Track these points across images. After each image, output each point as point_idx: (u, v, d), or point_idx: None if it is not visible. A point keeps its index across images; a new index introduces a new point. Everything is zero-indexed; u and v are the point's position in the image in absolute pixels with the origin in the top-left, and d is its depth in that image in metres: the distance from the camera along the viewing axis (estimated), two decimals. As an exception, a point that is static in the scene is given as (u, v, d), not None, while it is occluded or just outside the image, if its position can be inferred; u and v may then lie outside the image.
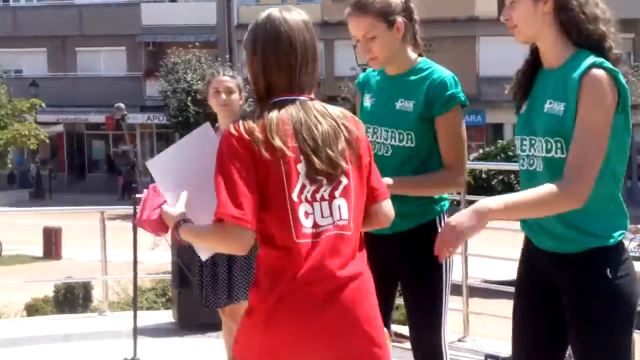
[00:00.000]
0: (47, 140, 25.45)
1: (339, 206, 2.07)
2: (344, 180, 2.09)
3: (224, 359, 4.33)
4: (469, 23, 29.06)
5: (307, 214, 2.03)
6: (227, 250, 2.20)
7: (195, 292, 4.02)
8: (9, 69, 32.90)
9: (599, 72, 2.11)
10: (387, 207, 2.22)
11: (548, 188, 2.09)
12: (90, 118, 31.81)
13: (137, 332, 4.57)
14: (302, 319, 1.98)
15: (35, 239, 17.29)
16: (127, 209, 4.27)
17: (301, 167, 2.03)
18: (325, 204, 2.06)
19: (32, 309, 6.91)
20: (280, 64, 2.09)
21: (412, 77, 2.80)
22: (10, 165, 23.90)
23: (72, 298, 7.06)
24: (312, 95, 2.12)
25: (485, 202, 2.11)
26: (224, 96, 3.83)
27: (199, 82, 26.58)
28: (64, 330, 5.50)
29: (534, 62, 2.33)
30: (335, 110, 2.14)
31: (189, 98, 26.50)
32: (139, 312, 6.55)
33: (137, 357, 4.50)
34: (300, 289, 1.98)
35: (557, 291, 2.26)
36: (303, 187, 2.03)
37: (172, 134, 31.14)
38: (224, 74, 3.91)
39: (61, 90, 31.13)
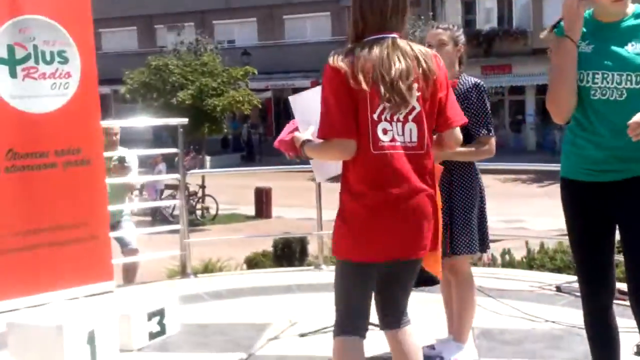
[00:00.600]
0: (260, 106, 26.66)
1: (410, 130, 2.61)
2: (417, 107, 2.62)
3: (438, 313, 4.20)
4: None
5: (385, 131, 2.58)
6: (339, 157, 2.66)
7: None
8: (223, 39, 34.81)
9: None
10: (457, 132, 2.79)
11: None
12: (296, 83, 32.75)
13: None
14: (383, 216, 2.58)
15: (248, 199, 18.10)
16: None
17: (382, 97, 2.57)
18: (398, 125, 2.60)
19: (252, 263, 7.19)
20: (374, 10, 2.62)
21: (635, 22, 2.72)
22: (225, 130, 25.28)
23: (289, 253, 7.26)
24: (400, 34, 2.63)
25: None
26: (435, 50, 3.75)
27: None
28: (284, 282, 5.65)
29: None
30: (420, 49, 2.64)
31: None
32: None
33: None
34: (377, 194, 2.57)
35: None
36: (383, 109, 2.57)
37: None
38: (437, 27, 3.81)
39: (270, 57, 32.39)
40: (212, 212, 17.68)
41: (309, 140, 2.74)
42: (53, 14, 5.11)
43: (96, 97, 5.38)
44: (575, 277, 5.73)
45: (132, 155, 6.21)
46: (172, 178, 8.54)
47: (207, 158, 23.04)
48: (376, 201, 2.57)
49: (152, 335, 4.26)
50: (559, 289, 5.30)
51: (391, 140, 2.57)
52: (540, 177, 23.58)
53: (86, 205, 5.24)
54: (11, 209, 4.92)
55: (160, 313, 4.34)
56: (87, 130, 5.28)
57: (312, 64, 32.42)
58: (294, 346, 4.11)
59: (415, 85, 2.59)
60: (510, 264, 7.89)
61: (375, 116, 2.56)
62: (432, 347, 3.91)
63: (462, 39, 3.77)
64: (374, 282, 2.73)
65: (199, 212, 17.53)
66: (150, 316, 4.27)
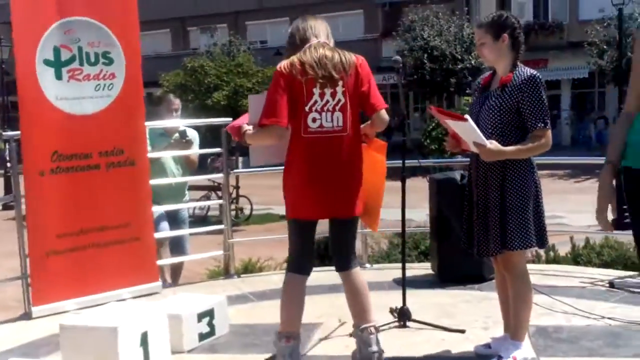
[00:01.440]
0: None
1: (337, 117, 3.47)
2: (342, 99, 3.47)
3: (489, 311, 4.12)
4: None
5: (314, 120, 3.45)
6: (271, 141, 3.51)
7: (461, 242, 3.84)
8: (255, 40, 34.91)
9: None
10: (383, 114, 3.61)
11: None
12: (329, 82, 32.76)
13: (405, 282, 4.50)
14: (311, 186, 3.48)
15: (279, 199, 17.91)
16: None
17: (315, 90, 3.44)
18: (328, 114, 3.46)
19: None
20: (302, 34, 3.65)
21: None
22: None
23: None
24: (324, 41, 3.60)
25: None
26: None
27: (435, 38, 26.28)
28: (328, 281, 5.59)
29: None
30: (343, 51, 3.54)
31: (425, 55, 26.28)
32: (394, 265, 6.60)
33: (406, 307, 4.43)
34: (306, 167, 3.47)
35: None
36: (316, 102, 3.44)
37: (406, 93, 31.30)
38: (476, 26, 3.73)
39: (303, 56, 32.29)
40: (247, 212, 17.68)
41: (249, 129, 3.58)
42: (99, 15, 5.12)
43: (140, 98, 5.38)
44: (629, 273, 5.63)
45: (192, 131, 6.12)
46: (208, 178, 8.48)
47: (240, 159, 23.11)
48: (306, 172, 3.48)
49: (202, 337, 4.25)
50: (612, 284, 5.17)
51: (319, 127, 3.46)
52: (576, 173, 23.23)
53: (130, 206, 5.24)
54: (56, 210, 4.95)
55: (210, 314, 4.33)
56: (131, 131, 5.28)
57: (345, 63, 32.39)
58: (345, 346, 4.04)
59: (341, 83, 3.46)
60: (555, 260, 7.74)
61: (307, 108, 3.44)
62: (488, 345, 3.84)
63: (505, 27, 3.57)
64: (312, 233, 3.64)
65: (233, 213, 17.54)
66: (200, 317, 4.26)
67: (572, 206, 16.30)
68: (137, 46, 5.33)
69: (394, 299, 4.61)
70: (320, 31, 3.67)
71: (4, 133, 5.42)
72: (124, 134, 5.23)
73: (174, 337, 4.01)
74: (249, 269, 7.31)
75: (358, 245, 6.91)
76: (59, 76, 4.97)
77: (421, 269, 6.02)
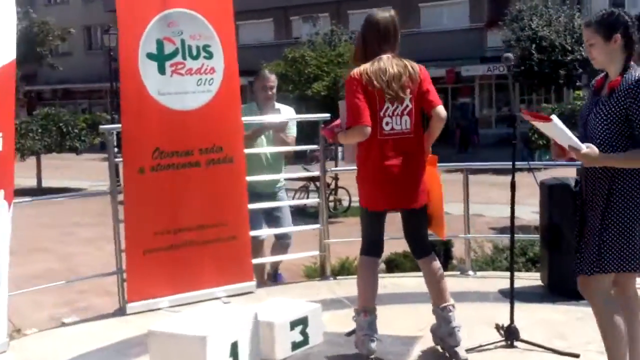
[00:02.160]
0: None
1: (405, 121, 3.94)
2: (409, 105, 3.93)
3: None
4: None
5: (387, 124, 3.91)
6: (359, 138, 3.92)
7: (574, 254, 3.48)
8: (357, 29, 34.55)
9: None
10: (441, 110, 3.97)
11: None
12: (431, 72, 32.02)
13: (513, 297, 4.18)
14: (384, 181, 3.95)
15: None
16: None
17: (386, 98, 3.89)
18: (398, 118, 3.92)
19: (392, 264, 6.89)
20: (372, 40, 3.98)
21: None
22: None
23: (433, 256, 6.89)
24: (393, 54, 3.97)
25: None
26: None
27: (544, 28, 25.25)
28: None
29: None
30: (407, 61, 3.96)
31: (533, 46, 25.31)
32: (500, 272, 6.24)
33: (514, 325, 4.11)
34: (380, 165, 3.92)
35: None
36: (387, 108, 3.90)
37: (512, 84, 30.20)
38: (584, 25, 3.34)
39: (404, 46, 31.47)
40: (345, 204, 17.53)
41: (340, 130, 4.04)
42: (198, 7, 4.99)
43: (237, 93, 5.25)
44: None
45: (289, 111, 5.93)
46: (303, 177, 8.34)
47: (340, 148, 22.99)
48: (380, 170, 3.93)
49: (295, 346, 4.09)
50: None
51: (391, 129, 3.92)
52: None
53: (227, 204, 5.13)
54: (154, 208, 4.89)
55: (304, 322, 4.16)
56: (229, 127, 5.16)
57: (448, 53, 31.68)
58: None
59: (408, 91, 3.92)
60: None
61: (381, 113, 3.90)
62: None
63: (617, 26, 3.20)
64: (383, 223, 4.12)
65: (331, 205, 17.44)
66: (293, 325, 4.09)
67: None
68: (233, 39, 5.19)
69: (500, 313, 4.32)
70: (396, 39, 4.04)
71: (101, 127, 5.37)
72: (223, 130, 5.11)
73: (265, 345, 3.88)
74: (345, 267, 7.13)
75: (461, 249, 6.67)
76: (162, 70, 4.88)
77: (529, 279, 5.63)
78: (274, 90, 5.91)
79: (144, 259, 4.87)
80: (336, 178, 17.62)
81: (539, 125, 3.41)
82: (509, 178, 4.24)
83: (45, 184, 21.69)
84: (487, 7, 32.76)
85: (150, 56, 4.84)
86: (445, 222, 4.30)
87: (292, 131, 5.93)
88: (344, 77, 19.67)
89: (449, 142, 30.26)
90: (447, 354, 3.99)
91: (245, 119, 5.39)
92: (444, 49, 31.32)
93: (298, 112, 6.32)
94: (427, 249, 4.13)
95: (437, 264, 4.10)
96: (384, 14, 4.02)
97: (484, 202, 13.70)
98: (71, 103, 44.04)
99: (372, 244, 4.11)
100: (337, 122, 4.15)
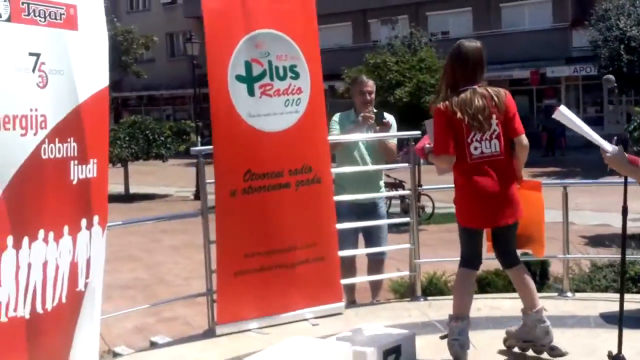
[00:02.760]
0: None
1: (494, 144, 4.22)
2: (497, 129, 4.22)
3: None
4: None
5: (475, 148, 4.20)
6: (445, 165, 4.32)
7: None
8: (436, 31, 34.22)
9: None
10: (523, 138, 4.29)
11: None
12: (514, 74, 31.37)
13: (622, 322, 3.94)
14: (477, 202, 4.26)
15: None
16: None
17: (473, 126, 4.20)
18: (487, 142, 4.21)
19: (484, 282, 6.69)
20: (460, 73, 4.25)
21: None
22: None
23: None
24: (479, 85, 4.25)
25: None
26: None
27: (633, 27, 24.30)
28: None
29: None
30: (493, 90, 4.27)
31: (622, 46, 24.39)
32: (600, 294, 5.96)
33: (622, 355, 3.87)
34: (473, 187, 4.24)
35: None
36: (474, 135, 4.19)
37: (598, 86, 29.34)
38: None
39: (485, 48, 31.24)
40: (428, 210, 17.21)
41: (430, 150, 4.39)
42: (283, 27, 4.97)
43: (323, 111, 5.20)
44: None
45: (389, 116, 5.91)
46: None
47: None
48: (473, 192, 4.23)
49: (389, 376, 3.99)
50: None
51: (480, 153, 4.19)
52: None
53: (315, 225, 5.10)
54: (246, 230, 4.89)
55: (397, 351, 4.09)
56: (317, 146, 5.13)
57: (531, 54, 30.93)
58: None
59: (494, 116, 4.19)
60: None
61: (468, 139, 4.19)
62: None
63: None
64: (481, 238, 4.44)
65: (414, 210, 17.22)
66: (386, 354, 4.03)
67: None
68: (318, 58, 5.14)
69: (604, 340, 4.13)
70: (482, 70, 4.29)
71: (192, 149, 5.41)
72: (311, 150, 5.09)
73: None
74: (433, 282, 6.98)
75: (560, 269, 6.39)
76: (251, 92, 4.88)
77: (633, 301, 5.33)
78: (373, 96, 5.91)
79: (234, 281, 4.88)
80: (419, 184, 17.39)
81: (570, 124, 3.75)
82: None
83: (133, 189, 22.28)
84: (571, 6, 31.81)
85: (239, 78, 4.84)
86: (545, 242, 4.81)
87: (394, 140, 5.96)
88: (427, 85, 19.67)
89: (534, 146, 29.54)
90: (542, 355, 4.28)
91: (332, 139, 5.36)
92: (527, 50, 30.59)
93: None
94: (517, 259, 4.46)
95: (525, 271, 4.44)
96: (472, 44, 4.31)
97: (573, 209, 13.25)
98: (156, 109, 45.22)
99: (471, 259, 4.40)
100: (426, 139, 4.55)
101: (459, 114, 4.14)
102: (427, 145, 4.45)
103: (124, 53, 32.86)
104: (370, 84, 5.91)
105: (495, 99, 4.22)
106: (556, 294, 5.80)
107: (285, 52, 4.99)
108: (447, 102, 4.21)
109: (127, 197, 21.01)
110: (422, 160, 5.85)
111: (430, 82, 18.73)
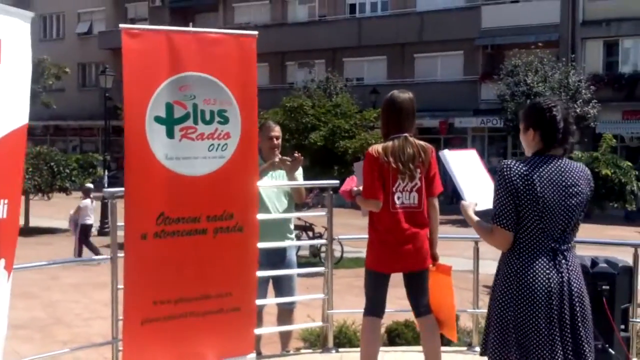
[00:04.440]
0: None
1: (413, 196, 4.47)
2: (418, 183, 4.46)
3: None
4: None
5: (398, 198, 4.44)
6: (372, 209, 4.49)
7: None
8: (352, 77, 34.88)
9: None
10: (436, 200, 4.61)
11: None
12: (424, 123, 32.25)
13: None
14: (392, 248, 4.48)
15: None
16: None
17: (399, 176, 4.41)
18: (407, 194, 4.45)
19: (393, 334, 6.67)
20: (394, 122, 4.52)
21: None
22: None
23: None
24: (410, 134, 4.50)
25: None
26: None
27: (539, 84, 25.47)
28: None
29: None
30: (420, 143, 4.50)
31: (528, 101, 25.48)
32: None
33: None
34: (391, 233, 4.45)
35: None
36: (399, 184, 4.42)
37: (503, 138, 30.44)
38: None
39: (399, 96, 31.99)
40: (337, 254, 17.23)
41: (359, 193, 4.57)
42: (215, 71, 4.81)
43: (255, 158, 5.06)
44: None
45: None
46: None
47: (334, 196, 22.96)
48: (390, 238, 4.44)
49: None
50: None
51: (401, 203, 4.44)
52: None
53: (233, 274, 4.92)
54: (156, 276, 4.67)
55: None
56: (243, 194, 4.94)
57: (441, 104, 31.89)
58: None
59: (419, 170, 4.43)
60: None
61: (394, 188, 4.40)
62: None
63: None
64: (387, 285, 4.57)
65: (323, 255, 17.21)
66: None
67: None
68: (254, 105, 5.00)
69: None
70: (414, 119, 4.56)
71: (105, 189, 5.20)
72: (235, 197, 4.91)
73: None
74: (343, 331, 6.91)
75: (470, 325, 6.49)
76: (170, 134, 4.70)
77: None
78: (279, 141, 5.84)
79: (141, 329, 4.64)
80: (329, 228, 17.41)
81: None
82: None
83: (33, 223, 21.37)
84: (482, 60, 33.12)
85: (158, 120, 4.65)
86: (455, 325, 4.90)
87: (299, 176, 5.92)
88: (342, 128, 20.02)
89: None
90: None
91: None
92: (438, 100, 31.54)
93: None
94: (428, 308, 4.61)
95: (435, 324, 4.61)
96: (405, 95, 4.53)
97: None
98: (62, 140, 43.95)
99: (376, 305, 4.57)
100: (352, 180, 4.75)
101: (391, 161, 4.35)
102: (355, 188, 4.62)
103: (34, 82, 31.74)
104: (277, 129, 5.88)
105: (422, 153, 4.45)
106: (465, 348, 5.84)
107: (215, 97, 4.82)
108: (379, 149, 4.43)
109: (27, 231, 20.09)
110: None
111: (344, 127, 18.96)
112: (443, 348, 4.89)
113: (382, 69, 35.46)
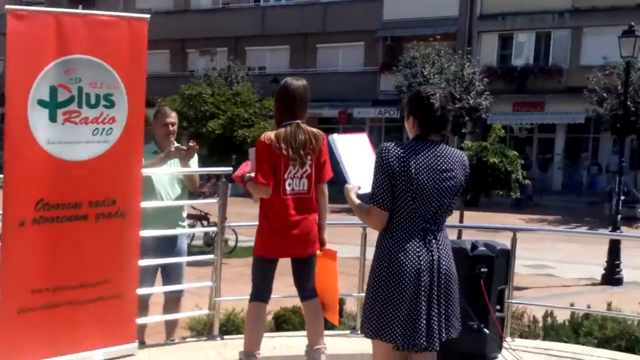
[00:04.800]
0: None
1: (304, 183, 4.56)
2: (309, 169, 4.54)
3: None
4: None
5: (289, 185, 4.51)
6: (262, 195, 4.53)
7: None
8: (254, 66, 34.76)
9: None
10: (326, 186, 4.69)
11: None
12: (324, 113, 32.59)
13: None
14: (281, 234, 4.55)
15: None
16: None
17: (290, 162, 4.47)
18: (298, 180, 4.53)
19: (280, 320, 6.72)
20: (287, 109, 4.57)
21: None
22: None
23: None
24: (303, 121, 4.55)
25: None
26: None
27: (435, 75, 26.14)
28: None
29: None
30: (312, 130, 4.57)
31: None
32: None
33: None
34: (281, 219, 4.52)
35: None
36: (290, 171, 4.49)
37: (399, 128, 31.07)
38: None
39: (301, 85, 32.09)
40: (231, 243, 17.09)
41: (250, 180, 4.59)
42: (104, 54, 4.71)
43: (139, 145, 4.98)
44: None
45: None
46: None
47: (229, 185, 22.82)
48: (279, 224, 4.52)
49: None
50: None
51: (292, 190, 4.51)
52: (567, 220, 23.00)
53: (114, 261, 4.85)
54: (33, 264, 4.55)
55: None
56: (126, 180, 4.89)
57: (342, 94, 32.27)
58: None
59: (309, 156, 4.51)
60: (553, 327, 7.42)
61: (285, 175, 4.47)
62: None
63: None
64: (274, 271, 4.67)
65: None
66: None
67: (562, 255, 16.02)
68: (143, 91, 4.92)
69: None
70: (306, 106, 4.59)
71: None
72: (118, 183, 4.84)
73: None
74: (231, 319, 6.92)
75: (355, 309, 6.61)
76: (53, 118, 4.55)
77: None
78: (175, 127, 5.78)
79: (17, 319, 4.51)
80: (224, 217, 17.27)
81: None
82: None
83: None
84: (382, 51, 33.69)
85: (41, 103, 4.53)
86: (337, 309, 5.02)
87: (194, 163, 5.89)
88: (241, 117, 19.85)
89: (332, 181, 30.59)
90: None
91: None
92: (339, 90, 31.93)
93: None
94: (314, 292, 4.73)
95: (320, 308, 4.73)
96: (298, 83, 4.59)
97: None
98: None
99: (263, 290, 4.66)
100: (246, 166, 4.76)
101: (283, 147, 4.41)
102: (248, 175, 4.65)
103: None
104: (173, 116, 5.82)
105: (314, 139, 4.53)
106: (349, 331, 5.98)
107: (102, 80, 4.71)
108: (271, 136, 4.48)
109: None
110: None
111: (244, 116, 18.90)
112: (327, 332, 5.01)
113: (285, 58, 35.52)
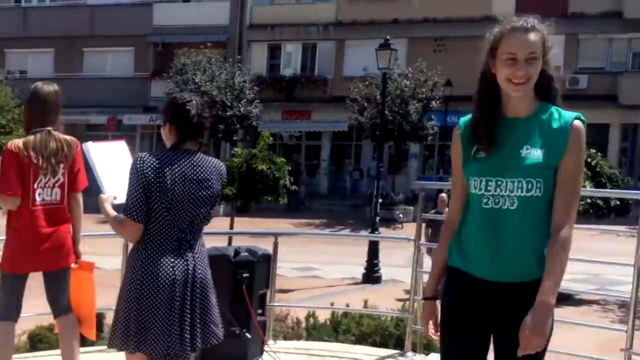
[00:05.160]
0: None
1: (56, 192, 4.33)
2: (61, 178, 4.33)
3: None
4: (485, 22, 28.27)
5: (39, 195, 4.27)
6: (9, 207, 4.27)
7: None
8: (14, 69, 32.60)
9: (581, 125, 2.57)
10: (79, 195, 4.48)
11: (557, 250, 2.50)
12: (91, 119, 31.38)
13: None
14: (30, 247, 4.29)
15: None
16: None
17: (40, 171, 4.24)
18: (49, 190, 4.30)
19: (36, 339, 6.38)
20: (37, 115, 4.34)
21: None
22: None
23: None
24: (54, 128, 4.32)
25: (548, 300, 2.49)
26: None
27: (207, 83, 26.23)
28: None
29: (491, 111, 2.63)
30: (65, 138, 4.34)
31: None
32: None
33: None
34: (30, 232, 4.28)
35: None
36: (41, 180, 4.26)
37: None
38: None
39: (65, 91, 30.40)
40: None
41: None
42: None
43: None
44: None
45: None
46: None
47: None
48: (28, 237, 4.29)
49: None
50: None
51: (42, 200, 4.30)
52: (332, 222, 24.15)
53: None
54: None
55: None
56: None
57: (110, 100, 31.27)
58: None
59: (62, 165, 4.31)
60: (314, 327, 7.79)
61: (34, 185, 4.25)
62: None
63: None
64: (24, 287, 4.41)
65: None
66: None
67: (327, 257, 16.83)
68: None
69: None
70: (58, 113, 4.39)
71: None
72: None
73: None
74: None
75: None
76: None
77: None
78: None
79: None
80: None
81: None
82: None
83: None
84: (153, 57, 33.13)
85: None
86: (94, 324, 4.80)
87: None
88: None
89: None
90: None
91: None
92: (107, 96, 30.94)
93: None
94: (68, 308, 4.55)
95: (75, 324, 4.58)
96: (49, 88, 4.39)
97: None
98: None
99: (11, 309, 4.41)
100: None
101: (32, 156, 4.21)
102: None
103: None
104: None
105: (66, 147, 4.36)
106: (105, 347, 5.80)
107: None
108: (19, 144, 4.27)
109: None
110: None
111: (1, 123, 17.67)
112: (84, 348, 4.85)
113: (49, 62, 33.62)
